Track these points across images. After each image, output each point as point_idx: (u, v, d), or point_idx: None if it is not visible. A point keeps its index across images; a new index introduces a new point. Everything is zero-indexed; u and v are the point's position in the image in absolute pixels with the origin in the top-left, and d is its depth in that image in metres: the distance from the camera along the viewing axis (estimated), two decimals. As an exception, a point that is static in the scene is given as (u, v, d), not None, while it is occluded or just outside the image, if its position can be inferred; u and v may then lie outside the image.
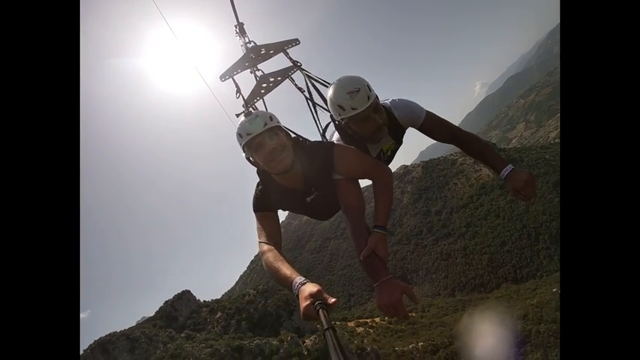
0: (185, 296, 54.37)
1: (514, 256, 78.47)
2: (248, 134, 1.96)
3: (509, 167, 2.09)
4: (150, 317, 55.29)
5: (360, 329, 48.93)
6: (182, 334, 44.74)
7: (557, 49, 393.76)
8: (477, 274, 78.29)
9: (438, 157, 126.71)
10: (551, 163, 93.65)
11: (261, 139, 1.96)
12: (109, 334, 44.72)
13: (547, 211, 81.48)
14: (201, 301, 55.78)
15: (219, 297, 65.60)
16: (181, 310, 52.02)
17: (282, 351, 32.74)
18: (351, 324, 54.28)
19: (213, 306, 52.32)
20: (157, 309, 55.74)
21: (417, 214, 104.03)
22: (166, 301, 54.62)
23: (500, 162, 2.17)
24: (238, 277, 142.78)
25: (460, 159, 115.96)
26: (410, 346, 40.36)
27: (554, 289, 44.57)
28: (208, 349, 33.96)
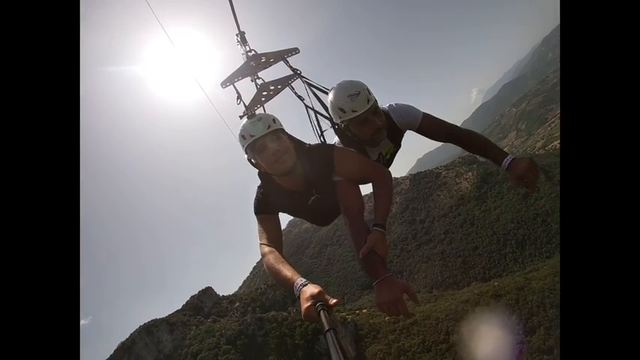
0: (208, 291, 67.14)
1: (484, 259, 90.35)
2: (251, 136, 1.96)
3: (510, 158, 2.09)
4: (177, 309, 67.63)
5: (349, 317, 61.58)
6: (209, 320, 57.60)
7: (551, 55, 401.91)
8: (452, 274, 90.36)
9: (425, 171, 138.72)
10: None
11: (264, 141, 1.97)
12: (152, 320, 57.46)
13: (514, 220, 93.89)
14: (221, 295, 68.52)
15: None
16: (206, 302, 64.71)
17: (289, 318, 46.86)
18: (342, 314, 66.85)
19: (232, 298, 65.37)
20: (184, 302, 68.21)
21: (403, 223, 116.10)
22: (192, 296, 67.29)
23: (500, 154, 2.17)
24: (242, 282, 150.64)
25: (443, 172, 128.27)
26: (379, 320, 53.58)
27: (496, 283, 57.81)
28: (236, 322, 47.45)
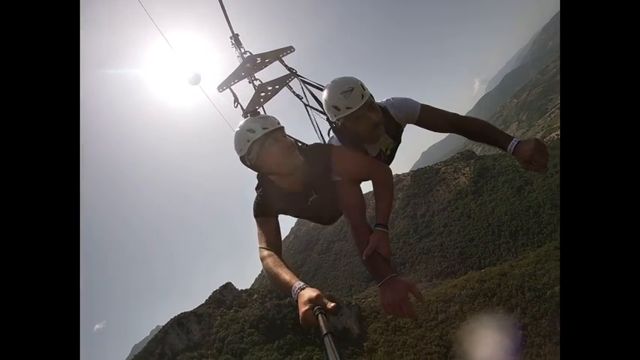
0: (228, 286, 74.41)
1: (480, 249, 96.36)
2: (264, 128, 1.94)
3: (515, 141, 2.01)
4: (201, 304, 75.01)
5: (353, 302, 69.21)
6: (231, 311, 65.27)
7: (551, 44, 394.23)
8: (450, 264, 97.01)
9: (425, 167, 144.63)
10: (518, 169, 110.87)
11: (278, 135, 1.97)
12: (181, 313, 64.63)
13: (508, 212, 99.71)
14: (239, 289, 76.12)
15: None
16: (227, 296, 71.92)
17: (303, 303, 56.35)
18: (349, 300, 74.42)
19: (250, 291, 73.13)
20: (207, 297, 75.56)
21: (405, 218, 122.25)
22: (214, 291, 74.20)
23: (505, 138, 2.08)
24: (254, 280, 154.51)
25: (442, 168, 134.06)
26: (379, 303, 61.66)
27: (483, 270, 65.20)
28: (257, 309, 55.69)
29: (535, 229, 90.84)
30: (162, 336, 62.72)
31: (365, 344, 55.76)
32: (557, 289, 48.87)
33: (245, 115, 2.15)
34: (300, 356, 51.66)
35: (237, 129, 2.03)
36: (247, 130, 1.97)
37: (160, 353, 60.03)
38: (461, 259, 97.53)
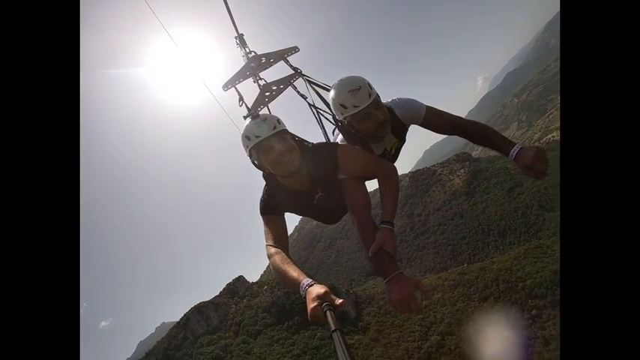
0: (241, 279, 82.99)
1: (470, 247, 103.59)
2: (257, 137, 1.95)
3: (517, 147, 2.05)
4: (216, 295, 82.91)
5: (351, 290, 78.03)
6: (244, 299, 74.02)
7: (553, 42, 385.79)
8: (442, 260, 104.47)
9: (423, 168, 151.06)
10: (510, 172, 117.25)
11: (270, 142, 1.96)
12: (200, 303, 73.06)
13: (497, 212, 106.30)
14: (250, 281, 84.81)
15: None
16: (240, 287, 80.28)
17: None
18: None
19: (260, 283, 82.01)
20: (221, 289, 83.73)
21: (403, 217, 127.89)
22: (228, 284, 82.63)
23: (507, 143, 2.13)
24: (259, 276, 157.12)
25: (439, 170, 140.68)
26: (373, 291, 72.15)
27: (465, 264, 73.63)
28: (269, 297, 65.35)
29: (522, 228, 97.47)
30: (184, 322, 70.89)
31: (360, 324, 64.56)
32: (528, 282, 57.36)
33: (247, 116, 2.18)
34: (306, 334, 60.94)
35: (241, 132, 2.06)
36: (245, 137, 2.01)
37: (182, 337, 68.38)
38: (452, 255, 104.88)
